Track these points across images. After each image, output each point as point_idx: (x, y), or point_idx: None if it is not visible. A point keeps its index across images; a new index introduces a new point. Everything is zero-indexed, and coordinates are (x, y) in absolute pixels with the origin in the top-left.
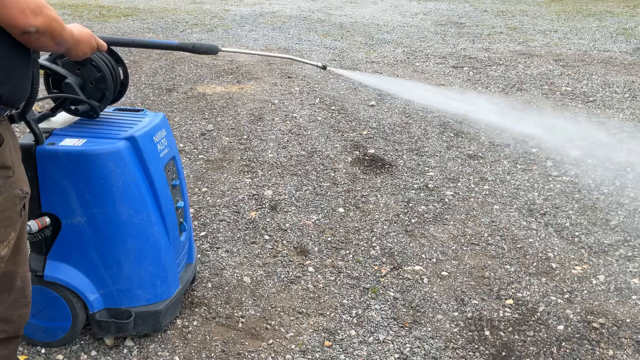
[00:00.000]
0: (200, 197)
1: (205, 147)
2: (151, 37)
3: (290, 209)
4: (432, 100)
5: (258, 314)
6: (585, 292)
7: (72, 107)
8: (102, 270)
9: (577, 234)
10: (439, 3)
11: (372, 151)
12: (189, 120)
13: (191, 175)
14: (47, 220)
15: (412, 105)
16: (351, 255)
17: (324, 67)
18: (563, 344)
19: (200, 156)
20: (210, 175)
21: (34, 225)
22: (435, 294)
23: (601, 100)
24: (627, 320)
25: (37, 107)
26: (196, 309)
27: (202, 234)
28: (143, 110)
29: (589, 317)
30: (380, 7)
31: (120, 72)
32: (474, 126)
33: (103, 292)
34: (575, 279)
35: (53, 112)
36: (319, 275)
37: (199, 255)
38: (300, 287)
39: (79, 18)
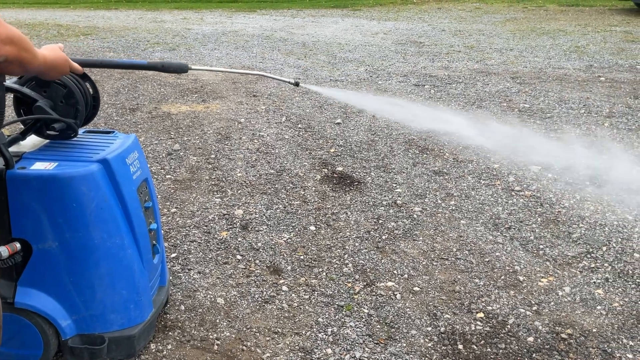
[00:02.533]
0: (169, 218)
1: (173, 167)
2: (112, 56)
3: (261, 228)
4: (400, 114)
5: (233, 336)
6: (552, 303)
7: (49, 131)
8: (75, 295)
9: (541, 247)
10: (398, 23)
11: (340, 169)
12: (155, 140)
13: (159, 196)
14: (18, 245)
15: (377, 122)
16: (324, 273)
17: (297, 84)
18: (534, 355)
19: (167, 176)
20: (179, 195)
21: (4, 251)
22: (408, 309)
23: (558, 116)
24: (594, 330)
25: (6, 131)
26: (170, 333)
27: (173, 255)
28: (114, 131)
29: (557, 328)
30: (341, 27)
31: (88, 86)
32: (438, 143)
33: (75, 318)
34: (542, 291)
35: (23, 135)
36: (293, 294)
37: (170, 277)
38: (274, 307)
39: (36, 37)
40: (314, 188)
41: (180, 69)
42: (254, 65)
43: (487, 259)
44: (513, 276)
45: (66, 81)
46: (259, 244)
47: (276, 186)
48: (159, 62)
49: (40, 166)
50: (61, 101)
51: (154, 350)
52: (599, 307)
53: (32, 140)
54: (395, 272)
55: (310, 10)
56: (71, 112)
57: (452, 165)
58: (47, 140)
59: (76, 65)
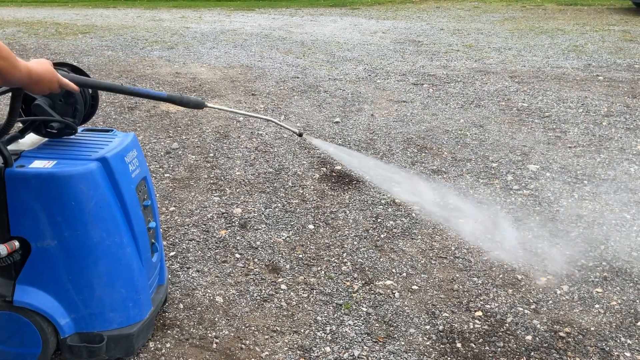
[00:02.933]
0: (168, 217)
1: (171, 165)
2: (110, 54)
3: (260, 227)
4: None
5: (232, 334)
6: (551, 302)
7: (48, 129)
8: (73, 293)
9: (539, 245)
10: (396, 22)
11: (338, 167)
12: (153, 139)
13: (158, 195)
14: (16, 244)
15: (376, 121)
16: (323, 272)
17: (300, 135)
18: (532, 353)
19: (166, 175)
20: (178, 194)
21: (2, 249)
22: (407, 308)
23: (556, 115)
24: (592, 329)
25: None
26: (169, 331)
27: (172, 254)
28: (112, 130)
29: (555, 326)
30: (340, 26)
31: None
32: (437, 142)
33: (74, 316)
34: (540, 289)
35: (22, 133)
36: (291, 293)
37: (169, 276)
38: (273, 305)
39: (34, 36)
40: (312, 187)
41: (197, 106)
42: (252, 64)
43: (485, 258)
44: (511, 275)
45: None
46: (258, 243)
47: (275, 185)
48: (177, 95)
49: (39, 164)
50: (60, 100)
51: (152, 349)
52: (597, 306)
53: (31, 139)
54: (393, 270)
55: (309, 9)
56: (70, 111)
57: (451, 164)
58: (46, 139)
59: (68, 82)
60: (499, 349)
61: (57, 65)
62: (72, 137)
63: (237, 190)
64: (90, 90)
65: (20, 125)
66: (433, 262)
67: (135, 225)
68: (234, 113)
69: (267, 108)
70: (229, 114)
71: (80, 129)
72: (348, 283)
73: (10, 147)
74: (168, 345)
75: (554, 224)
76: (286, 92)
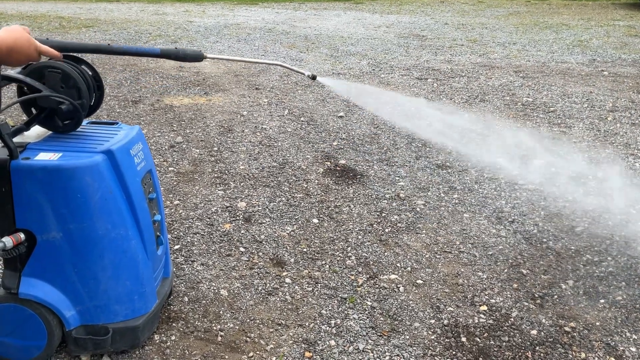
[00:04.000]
0: (172, 210)
1: (175, 159)
2: None
3: (264, 221)
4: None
5: (237, 327)
6: (556, 297)
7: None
8: (79, 286)
9: (544, 240)
10: (400, 16)
11: (343, 162)
12: (157, 133)
13: (162, 188)
14: (22, 236)
15: (379, 116)
16: (327, 266)
17: (314, 78)
18: (537, 348)
19: (170, 169)
20: (182, 187)
21: (8, 241)
22: (411, 302)
23: (561, 110)
24: (597, 324)
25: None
26: (174, 324)
27: (177, 247)
28: (117, 123)
29: (560, 321)
30: (344, 20)
31: (87, 69)
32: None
33: (79, 309)
34: (546, 284)
35: (27, 125)
36: (296, 287)
37: (174, 269)
38: (278, 299)
39: (38, 29)
40: (316, 181)
41: (196, 58)
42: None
43: (490, 252)
44: (516, 269)
45: (58, 65)
46: (262, 237)
47: (279, 179)
48: (173, 49)
49: (44, 157)
50: (62, 86)
51: (157, 342)
52: (602, 301)
53: (36, 131)
54: (398, 264)
55: (313, 3)
56: (74, 93)
57: (455, 159)
58: (51, 132)
59: (48, 49)
60: (504, 344)
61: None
62: (78, 129)
63: (241, 184)
64: (89, 72)
65: (26, 117)
66: (438, 256)
67: (140, 218)
68: (237, 61)
69: (271, 102)
70: (234, 108)
71: (85, 121)
72: (353, 277)
73: (15, 140)
74: (173, 338)
75: (559, 219)
76: (290, 86)
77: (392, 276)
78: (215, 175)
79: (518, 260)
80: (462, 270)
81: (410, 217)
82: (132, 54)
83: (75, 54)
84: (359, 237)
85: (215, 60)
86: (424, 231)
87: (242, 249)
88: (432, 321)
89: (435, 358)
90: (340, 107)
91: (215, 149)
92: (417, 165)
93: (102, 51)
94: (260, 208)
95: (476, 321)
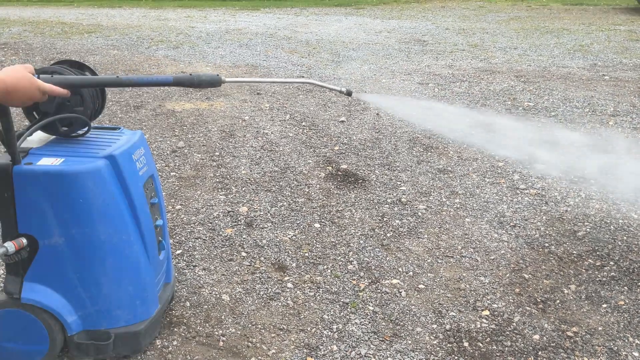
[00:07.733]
0: (174, 215)
1: (177, 164)
2: (116, 54)
3: (266, 225)
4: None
5: (239, 332)
6: (558, 301)
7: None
8: (81, 291)
9: (546, 244)
10: (401, 21)
11: (344, 166)
12: (159, 138)
13: (164, 193)
14: (24, 241)
15: (381, 120)
16: (329, 271)
17: (350, 94)
18: (539, 353)
19: (172, 173)
20: (184, 192)
21: (10, 246)
22: (413, 306)
23: (562, 115)
24: (599, 329)
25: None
26: (175, 329)
27: (178, 252)
28: (119, 128)
29: (562, 326)
30: (345, 25)
31: (89, 75)
32: (442, 141)
33: (81, 314)
34: (548, 289)
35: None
36: (298, 291)
37: (176, 274)
38: (280, 304)
39: (40, 35)
40: (318, 186)
41: (212, 83)
42: (257, 64)
43: (492, 257)
44: (518, 274)
45: (61, 72)
46: (264, 241)
47: (280, 184)
48: (187, 76)
49: (47, 162)
50: (68, 102)
51: (159, 347)
52: (604, 305)
53: (39, 136)
54: (400, 269)
55: (314, 8)
56: (78, 100)
57: (457, 163)
58: (54, 137)
59: (52, 87)
60: (506, 349)
61: (58, 64)
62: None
63: (243, 189)
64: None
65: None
66: (439, 261)
67: (142, 222)
68: (260, 83)
69: (272, 107)
70: (235, 113)
71: None
72: (354, 282)
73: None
74: (175, 343)
75: (561, 223)
76: (291, 91)
77: (394, 281)
78: (217, 180)
79: (520, 265)
80: (464, 274)
81: (412, 222)
82: (142, 85)
83: (83, 63)
84: (361, 241)
85: (217, 65)
86: (426, 236)
87: (243, 254)
88: (434, 326)
89: None
90: (341, 112)
91: (217, 153)
92: (419, 169)
93: (111, 84)
94: (261, 213)
95: (478, 326)
